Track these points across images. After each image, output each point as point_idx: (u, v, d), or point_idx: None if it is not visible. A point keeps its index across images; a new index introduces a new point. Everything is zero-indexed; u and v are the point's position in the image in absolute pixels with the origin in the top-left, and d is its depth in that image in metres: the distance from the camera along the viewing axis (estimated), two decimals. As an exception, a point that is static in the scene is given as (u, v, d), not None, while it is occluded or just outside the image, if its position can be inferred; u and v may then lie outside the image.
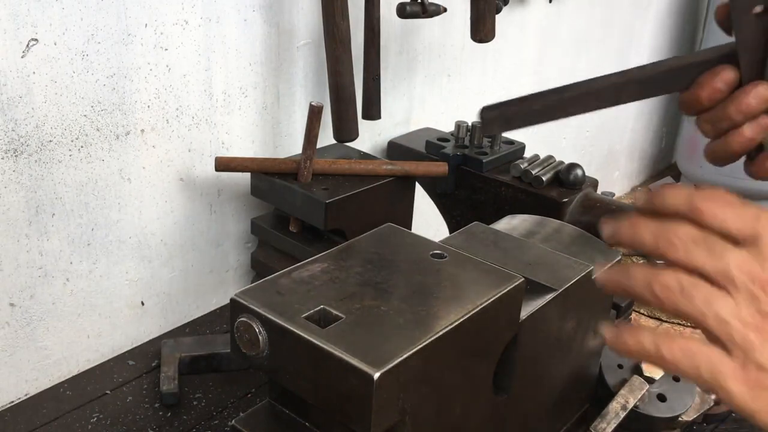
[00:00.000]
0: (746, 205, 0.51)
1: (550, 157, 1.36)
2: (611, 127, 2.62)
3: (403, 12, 1.30)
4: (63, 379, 1.12)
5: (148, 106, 1.12)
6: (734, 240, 0.49)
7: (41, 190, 1.04)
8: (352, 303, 0.70)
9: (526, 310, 0.81)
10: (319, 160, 1.22)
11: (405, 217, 1.29)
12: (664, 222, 0.51)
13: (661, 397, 1.03)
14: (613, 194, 1.89)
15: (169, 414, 1.05)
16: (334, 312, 0.70)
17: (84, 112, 1.05)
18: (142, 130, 1.13)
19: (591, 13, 2.19)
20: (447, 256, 0.80)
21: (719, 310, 0.48)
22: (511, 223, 1.04)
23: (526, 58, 1.98)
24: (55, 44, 0.99)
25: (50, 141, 1.02)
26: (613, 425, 0.98)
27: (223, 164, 1.20)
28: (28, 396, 1.09)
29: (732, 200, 0.51)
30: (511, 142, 1.43)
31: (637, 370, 1.04)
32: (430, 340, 0.67)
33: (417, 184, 1.35)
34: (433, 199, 1.46)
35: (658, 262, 0.55)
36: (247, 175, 1.25)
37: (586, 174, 1.29)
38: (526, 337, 0.82)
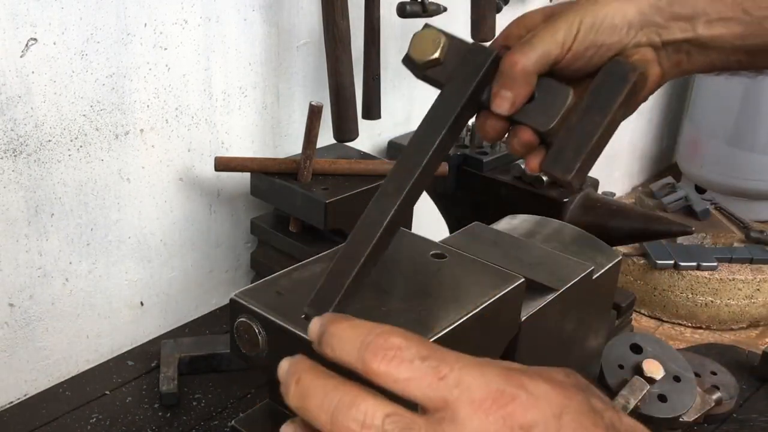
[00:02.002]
0: (432, 354, 0.40)
1: (551, 157, 1.36)
2: (611, 127, 2.62)
3: (403, 12, 1.30)
4: (62, 379, 1.12)
5: (148, 106, 1.12)
6: (421, 408, 0.39)
7: (40, 189, 1.03)
8: (352, 303, 0.70)
9: (527, 310, 0.81)
10: (319, 160, 1.22)
11: (405, 217, 1.29)
12: (335, 386, 0.40)
13: (662, 398, 1.03)
14: (614, 194, 1.89)
15: (169, 414, 1.04)
16: (334, 312, 0.69)
17: (83, 111, 1.05)
18: (142, 130, 1.13)
19: (591, 12, 2.18)
20: (447, 256, 0.80)
21: None
22: (511, 223, 1.04)
23: (526, 57, 1.97)
24: (54, 44, 0.99)
25: (49, 141, 1.02)
26: (613, 426, 0.97)
27: (223, 164, 1.20)
28: (27, 396, 1.09)
29: (412, 351, 0.40)
30: (511, 142, 1.42)
31: (638, 371, 1.04)
32: (430, 341, 0.67)
33: (417, 184, 1.35)
34: (433, 199, 1.46)
35: None
36: (247, 175, 1.25)
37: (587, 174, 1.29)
38: (526, 337, 0.81)
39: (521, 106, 0.59)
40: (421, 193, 0.63)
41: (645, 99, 0.63)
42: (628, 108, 0.60)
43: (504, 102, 0.59)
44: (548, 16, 0.62)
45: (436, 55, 0.61)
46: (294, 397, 0.42)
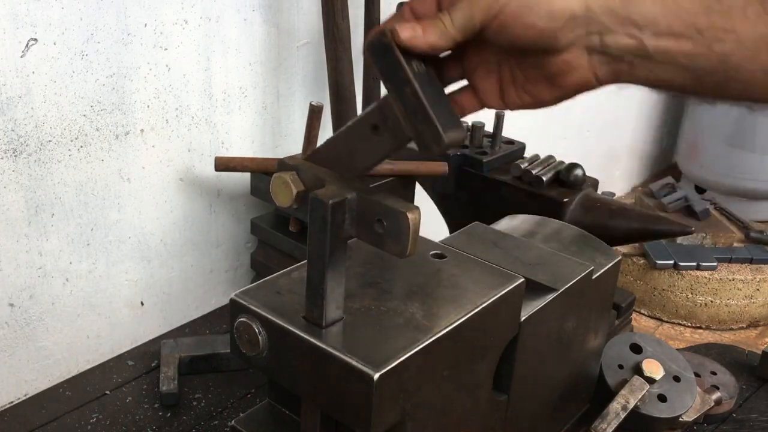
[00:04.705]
0: None
1: (551, 157, 1.36)
2: (612, 127, 2.62)
3: (403, 12, 1.30)
4: (63, 379, 1.12)
5: (148, 106, 1.12)
6: None
7: (41, 190, 1.04)
8: (352, 303, 0.70)
9: (526, 310, 0.81)
10: (319, 160, 1.22)
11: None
12: None
13: (662, 398, 1.03)
14: (614, 194, 1.89)
15: (169, 414, 1.05)
16: (334, 312, 0.69)
17: (83, 111, 1.05)
18: (142, 130, 1.13)
19: (591, 13, 2.18)
20: (447, 256, 0.80)
21: None
22: (511, 223, 1.04)
23: (526, 58, 1.97)
24: (54, 44, 0.99)
25: (50, 141, 1.02)
26: (613, 425, 0.97)
27: (223, 164, 1.20)
28: (27, 396, 1.09)
29: None
30: (511, 142, 1.42)
31: (638, 371, 1.04)
32: (430, 341, 0.67)
33: (417, 184, 1.35)
34: (433, 200, 1.46)
35: None
36: (247, 175, 1.25)
37: (587, 174, 1.29)
38: (526, 337, 0.81)
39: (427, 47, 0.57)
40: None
41: (562, 98, 0.60)
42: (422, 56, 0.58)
43: (404, 26, 0.57)
44: None
45: (292, 204, 0.65)
46: None
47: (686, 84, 0.55)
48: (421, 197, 1.41)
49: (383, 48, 0.56)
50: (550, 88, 0.59)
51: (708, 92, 0.56)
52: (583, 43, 0.55)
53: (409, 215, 0.59)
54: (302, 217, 1.21)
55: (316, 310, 0.66)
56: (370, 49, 0.56)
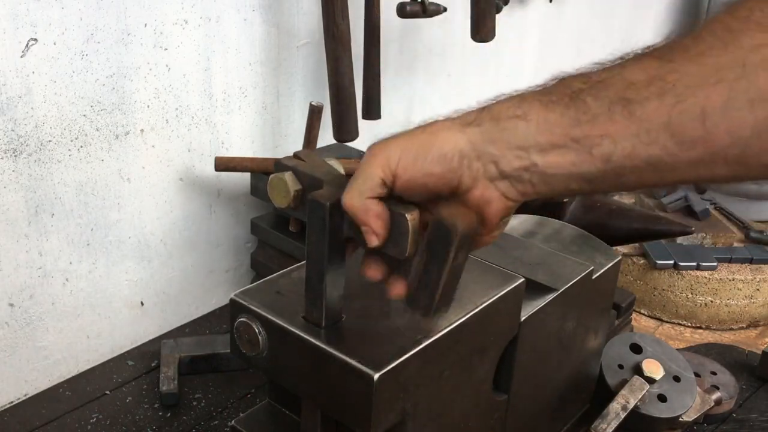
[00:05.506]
0: None
1: (551, 157, 1.36)
2: (611, 127, 2.62)
3: (403, 12, 1.30)
4: (62, 379, 1.12)
5: (148, 106, 1.12)
6: None
7: (41, 190, 1.04)
8: (352, 303, 0.70)
9: (526, 310, 0.81)
10: (319, 160, 1.22)
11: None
12: None
13: (662, 398, 1.03)
14: (614, 194, 1.89)
15: (169, 414, 1.05)
16: (334, 312, 0.69)
17: (83, 111, 1.05)
18: (142, 130, 1.13)
19: (591, 13, 2.18)
20: (447, 256, 0.80)
21: None
22: (511, 223, 1.04)
23: (526, 58, 1.98)
24: (54, 44, 0.99)
25: (50, 141, 1.02)
26: (613, 426, 0.98)
27: (223, 164, 1.20)
28: (27, 396, 1.09)
29: None
30: (511, 142, 1.42)
31: (638, 371, 1.04)
32: (430, 341, 0.67)
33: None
34: (433, 199, 1.46)
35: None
36: (247, 175, 1.25)
37: (587, 174, 1.29)
38: (526, 337, 0.81)
39: (386, 232, 0.59)
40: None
41: (496, 230, 0.62)
42: (470, 250, 0.60)
43: (369, 237, 0.59)
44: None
45: (290, 205, 0.66)
46: None
47: (584, 188, 0.57)
48: (421, 197, 1.41)
49: (446, 235, 0.57)
50: (483, 223, 0.60)
51: (607, 189, 0.58)
52: (484, 175, 0.57)
53: (408, 217, 0.59)
54: (302, 217, 1.21)
55: (316, 311, 0.66)
56: (437, 224, 0.57)
